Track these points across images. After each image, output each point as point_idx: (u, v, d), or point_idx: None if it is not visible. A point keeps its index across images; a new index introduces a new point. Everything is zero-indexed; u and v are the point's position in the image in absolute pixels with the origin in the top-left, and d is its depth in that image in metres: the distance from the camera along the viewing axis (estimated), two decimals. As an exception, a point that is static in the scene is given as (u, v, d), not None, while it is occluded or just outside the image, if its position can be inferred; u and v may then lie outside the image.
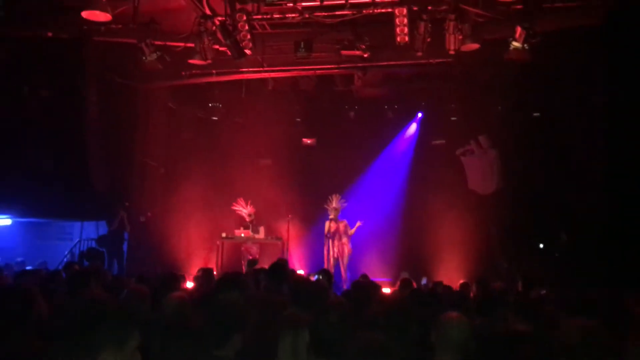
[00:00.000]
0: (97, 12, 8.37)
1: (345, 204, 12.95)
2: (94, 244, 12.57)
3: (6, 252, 12.65)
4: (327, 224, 12.71)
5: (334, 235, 12.58)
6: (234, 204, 13.40)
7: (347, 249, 12.60)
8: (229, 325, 3.27)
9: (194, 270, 11.58)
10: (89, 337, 2.26)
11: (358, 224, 12.61)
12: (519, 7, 8.83)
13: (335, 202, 12.75)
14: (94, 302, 2.45)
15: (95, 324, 2.30)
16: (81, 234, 13.58)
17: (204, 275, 7.35)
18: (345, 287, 10.81)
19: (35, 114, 10.95)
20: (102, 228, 12.72)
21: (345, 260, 12.57)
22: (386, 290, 8.79)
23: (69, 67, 10.83)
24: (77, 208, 11.91)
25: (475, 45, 9.15)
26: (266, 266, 8.42)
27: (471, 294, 7.67)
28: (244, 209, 13.33)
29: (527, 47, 8.74)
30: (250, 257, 12.92)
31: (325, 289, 4.69)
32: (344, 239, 12.62)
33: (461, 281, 8.92)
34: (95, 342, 2.27)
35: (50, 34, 10.21)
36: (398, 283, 7.57)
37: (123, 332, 2.35)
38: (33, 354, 2.96)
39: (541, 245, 12.13)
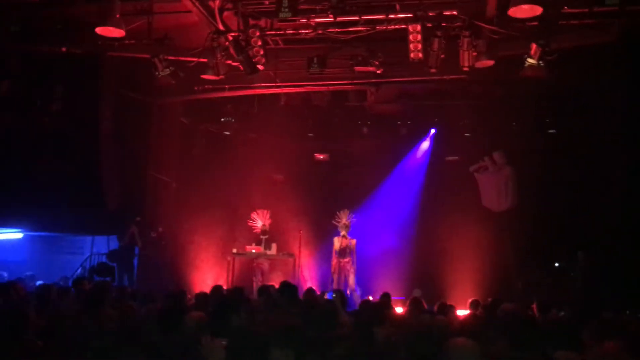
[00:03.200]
0: (111, 28, 8.41)
1: (354, 220, 12.81)
2: (104, 259, 12.55)
3: (17, 266, 12.66)
4: (337, 240, 12.57)
5: (344, 252, 12.44)
6: (251, 215, 13.28)
7: (354, 267, 12.45)
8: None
9: (205, 286, 11.51)
10: None
11: None
12: (534, 23, 8.74)
13: (344, 219, 12.62)
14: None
15: None
16: (92, 249, 13.57)
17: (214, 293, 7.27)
18: (355, 304, 10.66)
19: (48, 129, 10.99)
20: (113, 243, 12.70)
21: (352, 277, 12.41)
22: (399, 309, 8.64)
23: (82, 82, 10.90)
24: (88, 222, 11.91)
25: (490, 62, 9.07)
26: (277, 283, 8.35)
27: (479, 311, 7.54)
28: (259, 221, 13.19)
29: (542, 64, 8.64)
30: (262, 274, 12.83)
31: (336, 312, 4.59)
32: (352, 257, 12.48)
33: (471, 299, 8.76)
34: None
35: (64, 49, 10.26)
36: (408, 302, 7.43)
37: None
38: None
39: (557, 265, 11.92)
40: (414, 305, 6.71)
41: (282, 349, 3.23)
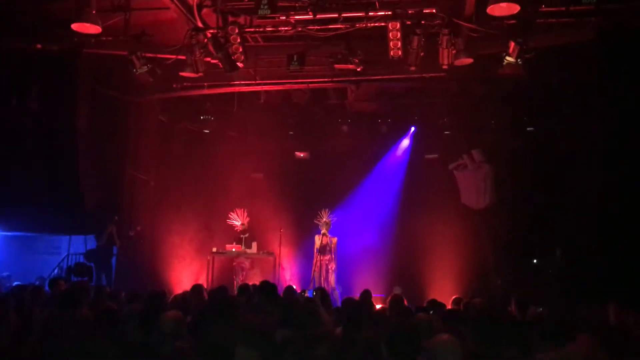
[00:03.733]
0: (88, 24, 8.29)
1: (335, 219, 12.81)
2: (82, 259, 12.39)
3: (-8, 267, 12.44)
4: (317, 238, 12.55)
5: (324, 250, 12.43)
6: (229, 215, 13.21)
7: (333, 265, 12.44)
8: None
9: (184, 285, 11.43)
10: None
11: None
12: (512, 22, 8.81)
13: (325, 217, 12.61)
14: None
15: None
16: (69, 249, 13.37)
17: (194, 293, 7.20)
18: (336, 302, 10.65)
19: (24, 127, 10.79)
20: (91, 242, 12.53)
21: (332, 276, 12.40)
22: (378, 306, 8.65)
23: (58, 79, 10.70)
24: (65, 222, 11.71)
25: (469, 60, 9.11)
26: (257, 281, 8.30)
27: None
28: (237, 220, 13.14)
29: (520, 62, 8.72)
30: (243, 273, 12.77)
31: (316, 311, 4.56)
32: (332, 255, 12.47)
33: (454, 297, 8.80)
34: None
35: (39, 46, 10.10)
36: (388, 299, 7.43)
37: None
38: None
39: (535, 261, 12.03)
40: (394, 303, 6.70)
41: (248, 349, 3.18)
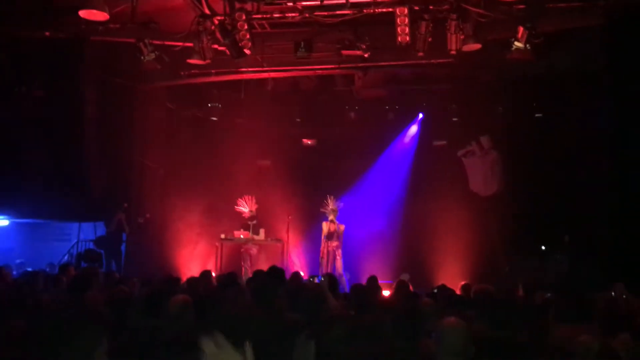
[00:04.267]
0: (95, 11, 8.30)
1: (342, 205, 12.81)
2: (92, 245, 12.48)
3: (4, 254, 12.56)
4: (325, 225, 12.56)
5: (332, 236, 12.45)
6: (238, 201, 13.24)
7: (340, 252, 12.46)
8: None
9: (193, 271, 11.49)
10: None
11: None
12: (521, 6, 8.74)
13: (332, 204, 12.60)
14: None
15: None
16: (79, 235, 13.48)
17: (202, 277, 7.25)
18: (343, 289, 10.69)
19: (32, 115, 10.83)
20: (100, 229, 12.62)
21: (339, 262, 12.43)
22: (386, 293, 8.68)
23: (66, 67, 10.73)
24: (75, 209, 11.79)
25: (477, 45, 9.07)
26: (265, 268, 8.33)
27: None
28: (245, 207, 13.16)
29: (529, 47, 8.66)
30: (251, 259, 12.82)
31: (324, 296, 4.59)
32: (340, 242, 12.48)
33: (462, 283, 8.82)
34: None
35: (47, 34, 10.11)
36: (394, 285, 7.45)
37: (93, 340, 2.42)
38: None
39: (543, 247, 12.01)
40: (400, 288, 6.73)
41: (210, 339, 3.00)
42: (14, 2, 9.52)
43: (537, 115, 12.95)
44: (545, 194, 11.84)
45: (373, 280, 7.98)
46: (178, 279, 7.48)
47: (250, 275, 9.73)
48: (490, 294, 5.39)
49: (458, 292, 7.85)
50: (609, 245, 9.40)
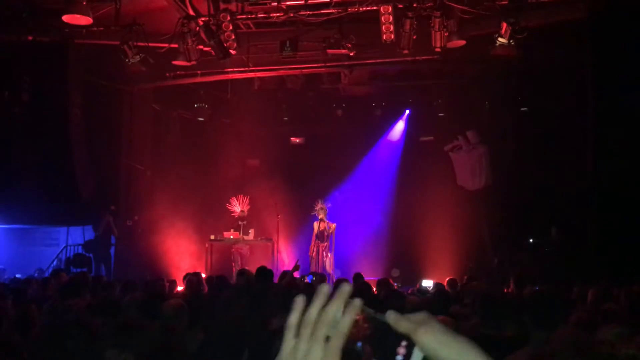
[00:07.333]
0: (78, 15, 8.26)
1: (329, 205, 12.85)
2: (80, 250, 12.42)
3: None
4: (316, 224, 12.62)
5: (322, 235, 12.49)
6: (231, 200, 13.22)
7: (331, 251, 12.51)
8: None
9: (183, 273, 11.47)
10: None
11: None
12: (504, 2, 8.80)
13: (320, 203, 12.65)
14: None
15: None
16: (67, 240, 13.39)
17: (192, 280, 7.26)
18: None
19: (17, 119, 10.76)
20: (89, 233, 12.54)
21: (329, 261, 12.47)
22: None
23: (51, 71, 10.66)
24: (62, 213, 11.71)
25: (462, 42, 9.12)
26: (255, 268, 8.34)
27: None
28: (237, 207, 13.14)
29: (512, 43, 8.73)
30: (241, 260, 12.80)
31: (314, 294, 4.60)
32: (330, 240, 12.53)
33: (448, 278, 8.90)
34: None
35: (30, 38, 10.04)
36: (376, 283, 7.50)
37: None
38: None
39: (531, 240, 12.11)
40: (382, 286, 6.78)
41: (120, 352, 2.93)
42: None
43: (522, 108, 13.03)
44: (532, 187, 11.92)
45: (358, 277, 8.05)
46: (162, 280, 7.44)
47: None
48: (485, 291, 5.43)
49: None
50: (595, 237, 9.50)
